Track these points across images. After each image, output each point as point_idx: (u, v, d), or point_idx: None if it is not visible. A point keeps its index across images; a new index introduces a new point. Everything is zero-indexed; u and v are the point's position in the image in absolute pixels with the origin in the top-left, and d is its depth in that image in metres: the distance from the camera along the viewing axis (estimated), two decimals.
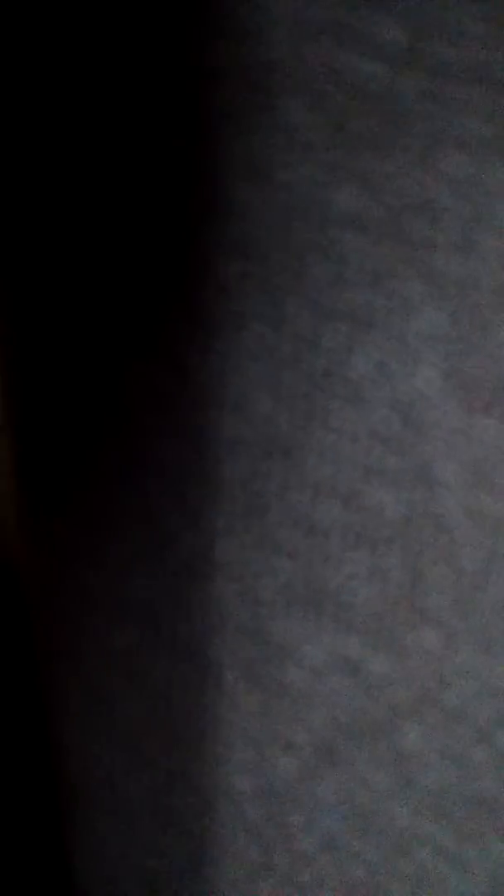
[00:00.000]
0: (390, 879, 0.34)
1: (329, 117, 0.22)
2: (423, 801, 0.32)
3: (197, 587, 0.27)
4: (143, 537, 0.27)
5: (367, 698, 0.30)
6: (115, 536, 0.27)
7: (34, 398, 0.27)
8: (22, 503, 0.30)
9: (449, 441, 0.26)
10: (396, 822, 0.33)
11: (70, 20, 0.22)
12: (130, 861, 0.32)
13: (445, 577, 0.28)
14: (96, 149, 0.23)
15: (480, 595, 0.28)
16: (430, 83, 0.22)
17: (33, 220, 0.24)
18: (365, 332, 0.24)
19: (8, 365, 0.28)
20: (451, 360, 0.25)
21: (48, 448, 0.27)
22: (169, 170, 0.22)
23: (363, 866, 0.33)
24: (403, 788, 0.32)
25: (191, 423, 0.25)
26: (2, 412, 0.29)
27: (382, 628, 0.28)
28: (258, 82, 0.21)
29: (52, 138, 0.23)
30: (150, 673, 0.29)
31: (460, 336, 0.24)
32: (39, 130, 0.23)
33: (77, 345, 0.25)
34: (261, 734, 0.30)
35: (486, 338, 0.24)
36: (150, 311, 0.24)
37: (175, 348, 0.24)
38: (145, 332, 0.24)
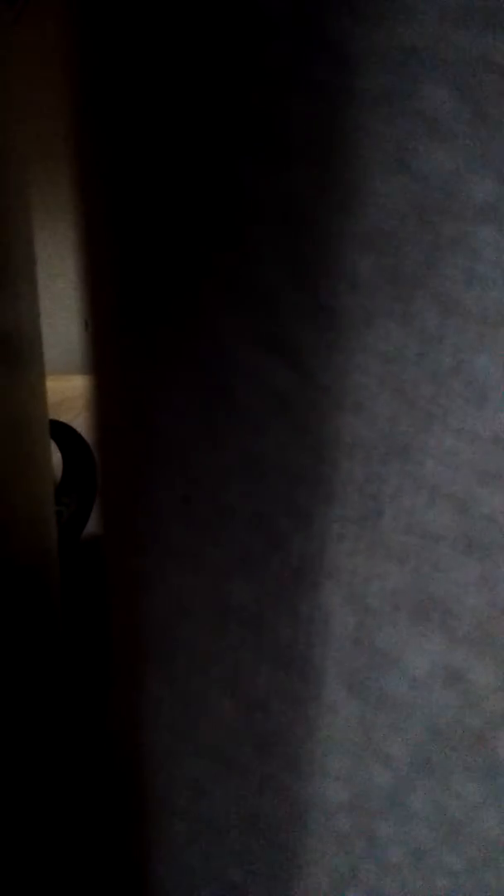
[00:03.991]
0: (474, 889, 0.33)
1: (472, 105, 0.21)
2: None
3: (304, 593, 0.26)
4: (249, 540, 0.26)
5: (467, 708, 0.29)
6: (219, 539, 0.26)
7: (148, 393, 0.26)
8: (114, 499, 0.29)
9: None
10: (484, 833, 0.32)
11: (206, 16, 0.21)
12: (214, 869, 0.32)
13: None
14: (231, 141, 0.22)
15: None
16: None
17: (163, 221, 0.24)
18: (493, 330, 0.23)
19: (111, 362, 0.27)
20: None
21: (151, 443, 0.26)
22: (304, 158, 0.21)
23: (448, 876, 0.33)
24: (494, 799, 0.31)
25: (309, 425, 0.24)
26: (103, 407, 0.28)
27: (487, 637, 0.28)
28: (403, 69, 0.21)
29: (187, 134, 0.22)
30: (247, 680, 0.28)
31: None
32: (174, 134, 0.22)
33: (191, 339, 0.24)
34: (358, 745, 0.29)
35: None
36: (272, 306, 0.23)
37: (298, 346, 0.23)
38: (266, 328, 0.23)
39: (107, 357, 0.27)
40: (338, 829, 0.31)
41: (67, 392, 1.57)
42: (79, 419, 1.44)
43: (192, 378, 0.25)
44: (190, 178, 0.22)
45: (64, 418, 1.42)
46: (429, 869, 0.32)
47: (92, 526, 1.34)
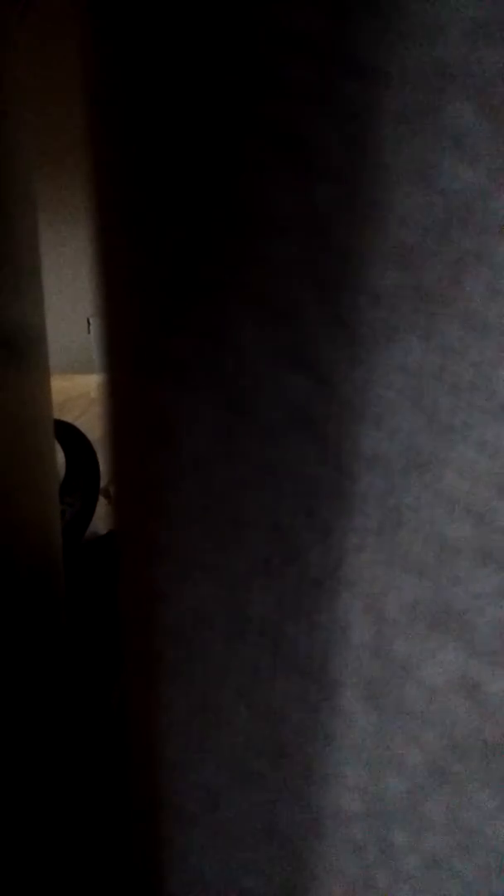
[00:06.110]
0: None
1: (498, 122, 0.21)
2: None
3: (322, 603, 0.26)
4: (268, 551, 0.26)
5: (483, 718, 0.29)
6: (237, 549, 0.27)
7: (170, 401, 0.26)
8: (129, 507, 0.29)
9: None
10: (498, 842, 0.32)
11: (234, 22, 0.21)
12: (229, 879, 0.32)
13: None
14: (256, 156, 0.22)
15: None
16: None
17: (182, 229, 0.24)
18: None
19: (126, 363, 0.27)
20: None
21: (170, 453, 0.26)
22: (329, 174, 0.21)
23: (461, 884, 0.33)
24: None
25: (330, 437, 0.24)
26: (121, 423, 0.28)
27: (503, 648, 0.28)
28: (429, 85, 0.21)
29: (210, 139, 0.22)
30: (264, 688, 0.28)
31: None
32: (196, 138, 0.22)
33: (213, 351, 0.24)
34: (374, 754, 0.29)
35: None
36: (294, 319, 0.23)
37: (320, 359, 0.23)
38: (288, 341, 0.23)
39: (126, 367, 0.27)
40: (352, 837, 0.31)
41: (70, 391, 1.57)
42: (81, 419, 1.44)
43: (213, 389, 0.25)
44: (216, 193, 0.22)
45: (66, 418, 1.42)
46: (442, 877, 0.32)
47: (94, 525, 1.34)
